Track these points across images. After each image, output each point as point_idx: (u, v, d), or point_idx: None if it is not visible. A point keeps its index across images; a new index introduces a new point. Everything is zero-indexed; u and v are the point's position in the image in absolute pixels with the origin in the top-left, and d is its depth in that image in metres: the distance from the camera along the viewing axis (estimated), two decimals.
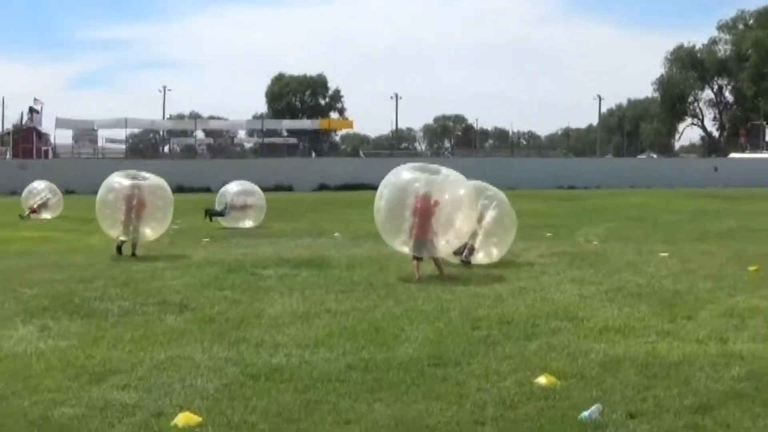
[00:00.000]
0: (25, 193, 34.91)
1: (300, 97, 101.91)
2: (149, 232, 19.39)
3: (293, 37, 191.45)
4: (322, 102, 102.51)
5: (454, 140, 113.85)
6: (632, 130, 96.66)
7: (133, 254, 18.67)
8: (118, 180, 19.46)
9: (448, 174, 15.57)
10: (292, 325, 10.79)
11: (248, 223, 28.16)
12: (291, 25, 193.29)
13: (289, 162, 68.05)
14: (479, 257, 16.64)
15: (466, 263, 16.40)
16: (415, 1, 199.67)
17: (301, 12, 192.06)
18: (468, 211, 15.21)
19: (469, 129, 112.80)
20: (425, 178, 15.16)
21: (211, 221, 27.86)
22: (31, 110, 74.14)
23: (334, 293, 13.26)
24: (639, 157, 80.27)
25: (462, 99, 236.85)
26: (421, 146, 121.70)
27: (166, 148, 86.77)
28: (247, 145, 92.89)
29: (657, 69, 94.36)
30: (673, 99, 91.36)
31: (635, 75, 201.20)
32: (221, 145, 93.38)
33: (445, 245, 15.12)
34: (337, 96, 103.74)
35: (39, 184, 34.99)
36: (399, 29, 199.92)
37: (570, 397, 7.23)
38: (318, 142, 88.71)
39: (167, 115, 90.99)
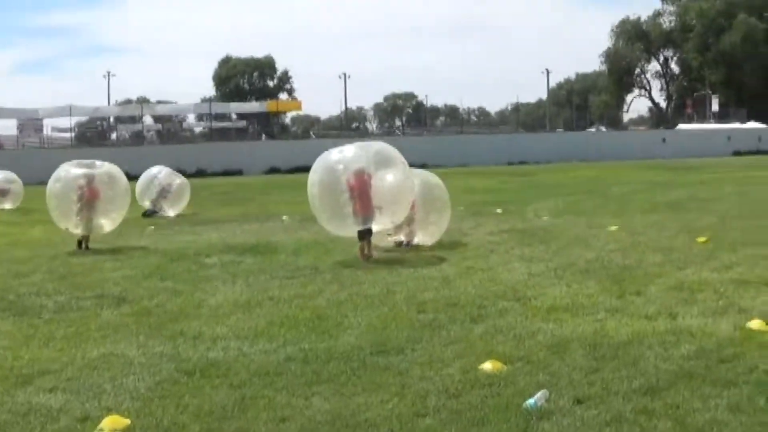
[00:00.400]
0: None
1: (248, 80, 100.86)
2: (104, 223, 18.39)
3: (239, 19, 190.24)
4: (271, 84, 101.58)
5: (405, 119, 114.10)
6: (581, 104, 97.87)
7: (86, 247, 17.83)
8: (69, 169, 18.31)
9: (380, 149, 15.46)
10: (232, 315, 10.41)
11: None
12: (237, 7, 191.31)
13: (238, 146, 67.17)
14: (419, 238, 16.24)
15: (405, 245, 16.02)
16: None
17: None
18: (406, 183, 15.00)
19: (419, 107, 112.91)
20: (353, 155, 14.87)
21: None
22: None
23: (278, 279, 12.91)
24: (588, 130, 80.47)
25: (412, 78, 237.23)
26: (372, 125, 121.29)
27: (114, 136, 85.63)
28: (197, 130, 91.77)
29: (604, 42, 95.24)
30: (621, 71, 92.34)
31: (582, 48, 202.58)
32: (170, 130, 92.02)
33: (390, 221, 15.06)
34: (285, 77, 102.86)
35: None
36: (346, 9, 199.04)
37: (515, 383, 6.93)
38: (268, 125, 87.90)
39: (113, 102, 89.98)
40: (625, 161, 47.18)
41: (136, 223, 24.15)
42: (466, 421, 6.10)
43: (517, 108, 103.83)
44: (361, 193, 14.40)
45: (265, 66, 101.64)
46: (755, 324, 8.51)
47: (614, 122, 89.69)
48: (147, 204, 27.28)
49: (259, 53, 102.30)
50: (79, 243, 17.95)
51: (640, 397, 6.43)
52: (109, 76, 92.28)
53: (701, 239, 15.08)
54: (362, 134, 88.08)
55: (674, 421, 5.90)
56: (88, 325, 10.23)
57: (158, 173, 28.27)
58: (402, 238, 15.98)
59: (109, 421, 6.54)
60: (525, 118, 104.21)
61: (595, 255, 13.83)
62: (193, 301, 11.50)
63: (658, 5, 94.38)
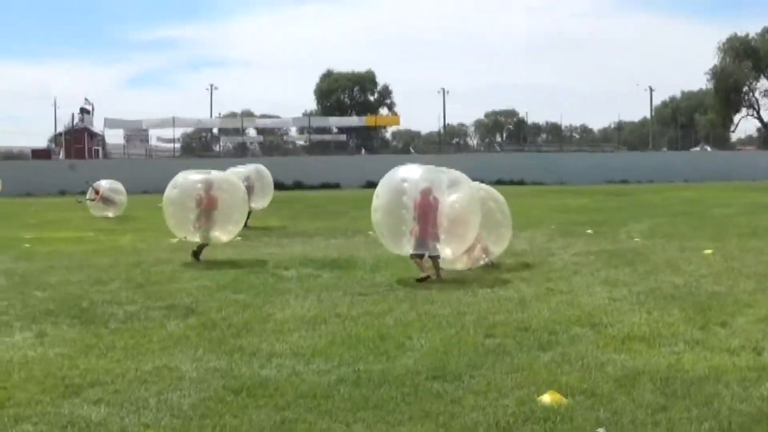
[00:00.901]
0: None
1: (349, 94, 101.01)
2: (220, 234, 17.69)
3: (341, 34, 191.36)
4: (371, 98, 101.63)
5: (506, 135, 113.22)
6: (687, 123, 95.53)
7: (197, 259, 17.05)
8: (187, 176, 17.51)
9: (451, 175, 14.51)
10: (296, 331, 10.07)
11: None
12: (339, 22, 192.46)
13: (337, 159, 67.36)
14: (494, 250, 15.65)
15: (491, 265, 15.38)
16: None
17: (348, 9, 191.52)
18: (473, 217, 14.23)
19: (520, 123, 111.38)
20: (422, 173, 14.28)
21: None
22: (82, 111, 74.50)
23: (351, 296, 12.53)
24: (693, 150, 78.39)
25: (513, 94, 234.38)
26: (473, 141, 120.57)
27: (218, 147, 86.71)
28: (298, 143, 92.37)
29: (710, 59, 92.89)
30: (728, 90, 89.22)
31: (688, 66, 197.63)
32: (272, 142, 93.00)
33: (449, 253, 14.28)
34: (386, 92, 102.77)
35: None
36: (447, 25, 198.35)
37: (573, 418, 6.40)
38: (368, 139, 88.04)
39: (216, 114, 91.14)
40: (729, 182, 45.45)
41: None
42: None
43: (620, 126, 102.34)
44: (423, 213, 13.87)
45: (366, 80, 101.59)
46: None
47: (721, 142, 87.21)
48: None
49: (360, 68, 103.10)
50: (196, 254, 17.27)
51: None
52: (211, 89, 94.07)
53: None
54: (460, 150, 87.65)
55: None
56: (151, 337, 10.05)
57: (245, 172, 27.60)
58: (482, 262, 15.38)
59: None
60: (629, 137, 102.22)
61: (683, 280, 13.07)
62: (260, 315, 11.22)
63: (766, 22, 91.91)
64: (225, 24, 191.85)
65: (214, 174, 17.46)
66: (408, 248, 14.05)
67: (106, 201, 33.36)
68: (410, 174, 14.33)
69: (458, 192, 14.13)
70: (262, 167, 28.91)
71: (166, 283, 14.33)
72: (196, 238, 16.94)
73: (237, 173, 27.51)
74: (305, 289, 13.35)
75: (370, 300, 12.15)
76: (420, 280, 13.65)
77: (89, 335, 10.28)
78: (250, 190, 25.81)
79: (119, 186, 34.62)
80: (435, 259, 14.09)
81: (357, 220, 28.85)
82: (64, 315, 11.53)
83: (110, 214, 32.74)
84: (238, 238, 22.15)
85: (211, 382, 7.91)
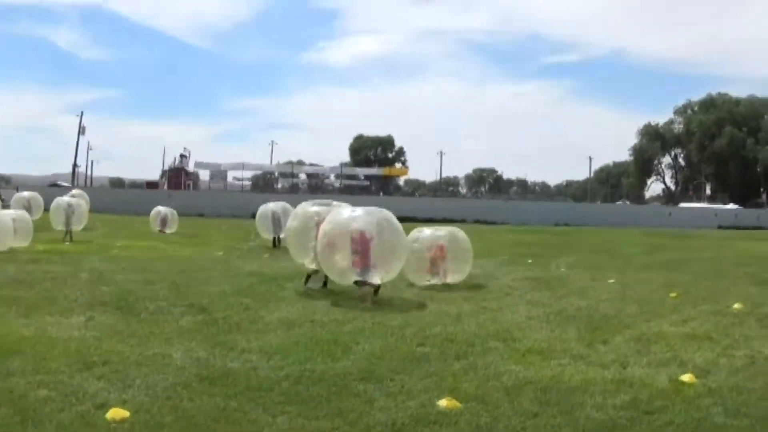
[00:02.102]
0: (153, 214, 33.37)
1: (374, 152, 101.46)
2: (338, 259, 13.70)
3: (370, 108, 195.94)
4: (390, 155, 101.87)
5: (488, 186, 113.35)
6: (615, 183, 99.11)
7: (324, 285, 13.62)
8: (307, 208, 14.41)
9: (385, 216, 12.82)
10: (273, 332, 9.26)
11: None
12: (369, 99, 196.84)
13: (361, 199, 66.37)
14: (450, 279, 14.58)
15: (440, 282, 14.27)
16: (462, 84, 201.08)
17: (376, 90, 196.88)
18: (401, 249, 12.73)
19: (498, 178, 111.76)
20: (362, 216, 12.47)
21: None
22: (181, 156, 74.99)
23: (330, 305, 11.62)
24: (617, 203, 78.93)
25: (495, 156, 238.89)
26: (463, 190, 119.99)
27: (278, 185, 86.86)
28: (335, 185, 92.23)
29: (632, 139, 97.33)
30: (643, 162, 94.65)
31: (619, 142, 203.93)
32: (317, 184, 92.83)
33: (383, 276, 12.33)
34: (401, 151, 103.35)
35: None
36: (449, 103, 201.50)
37: (458, 422, 5.56)
38: (386, 185, 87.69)
39: (275, 162, 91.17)
40: (640, 228, 44.27)
41: (258, 251, 23.50)
42: None
43: (569, 183, 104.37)
44: (362, 249, 12.17)
45: (386, 142, 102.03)
46: (686, 377, 6.96)
47: (638, 198, 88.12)
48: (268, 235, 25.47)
49: (382, 133, 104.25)
50: (308, 278, 13.93)
51: None
52: (272, 143, 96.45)
53: (673, 294, 13.17)
54: (451, 195, 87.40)
55: None
56: (164, 328, 9.34)
57: (275, 207, 25.98)
58: (437, 281, 14.45)
59: (113, 412, 5.66)
60: (575, 191, 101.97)
61: (586, 303, 12.10)
62: (254, 316, 10.41)
63: (671, 115, 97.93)
64: (287, 98, 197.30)
65: (333, 205, 14.33)
66: (353, 277, 12.22)
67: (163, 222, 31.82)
68: (355, 214, 12.73)
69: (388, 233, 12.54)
70: (286, 204, 26.27)
71: (197, 286, 13.57)
72: (313, 265, 13.57)
73: (267, 208, 26.22)
74: (300, 296, 12.57)
75: (342, 310, 11.26)
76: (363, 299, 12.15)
77: (121, 323, 9.64)
78: (277, 221, 24.81)
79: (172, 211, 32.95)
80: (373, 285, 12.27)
81: None
82: (113, 306, 10.90)
83: (168, 231, 31.28)
84: (266, 255, 21.48)
85: (190, 369, 7.17)
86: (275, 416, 5.69)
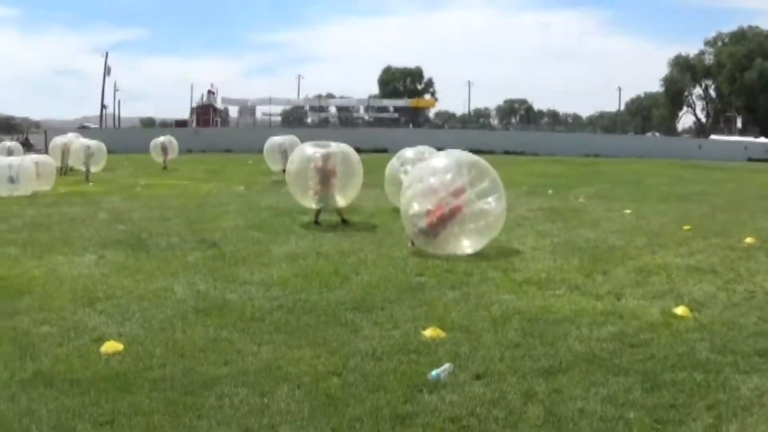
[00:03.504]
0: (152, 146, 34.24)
1: (402, 84, 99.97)
2: (339, 199, 13.96)
3: (399, 38, 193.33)
4: (419, 87, 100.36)
5: (518, 118, 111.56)
6: (647, 115, 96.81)
7: (343, 221, 13.67)
8: (310, 149, 14.13)
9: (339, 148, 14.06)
10: (278, 264, 9.35)
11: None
12: (397, 29, 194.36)
13: (388, 131, 66.02)
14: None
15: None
16: (490, 13, 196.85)
17: (404, 20, 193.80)
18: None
19: (529, 109, 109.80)
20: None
21: None
22: (209, 92, 74.53)
23: (339, 237, 11.70)
24: (646, 135, 77.29)
25: (526, 87, 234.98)
26: (494, 121, 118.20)
27: (308, 120, 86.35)
28: (365, 118, 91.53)
29: (663, 70, 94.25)
30: (674, 93, 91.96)
31: (651, 73, 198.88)
32: (346, 117, 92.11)
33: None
34: (430, 83, 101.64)
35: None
36: (479, 33, 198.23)
37: (437, 352, 5.60)
38: (415, 117, 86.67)
39: (303, 96, 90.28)
40: (669, 160, 43.35)
41: (279, 185, 23.50)
42: (363, 385, 4.89)
43: (602, 115, 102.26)
44: (323, 177, 13.33)
45: (415, 74, 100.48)
46: (680, 310, 6.87)
47: (669, 131, 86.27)
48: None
49: (411, 64, 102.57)
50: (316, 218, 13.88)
51: (535, 377, 5.03)
52: (299, 77, 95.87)
53: (687, 227, 12.95)
54: (481, 127, 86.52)
55: (545, 407, 4.51)
56: (171, 263, 9.46)
57: (283, 141, 26.89)
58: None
59: (108, 345, 5.82)
60: (606, 123, 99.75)
61: (595, 235, 11.99)
62: (262, 250, 10.49)
63: (701, 47, 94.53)
64: (313, 31, 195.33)
65: (332, 147, 14.23)
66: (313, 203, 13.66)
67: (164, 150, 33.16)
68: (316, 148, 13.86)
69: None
70: (294, 137, 27.07)
71: (212, 221, 13.69)
72: (314, 205, 13.82)
73: (274, 141, 27.35)
74: (310, 230, 12.62)
75: (351, 241, 11.34)
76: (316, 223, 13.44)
77: (131, 259, 9.78)
78: (284, 153, 24.86)
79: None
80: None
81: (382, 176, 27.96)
82: (125, 243, 11.04)
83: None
84: (284, 189, 21.41)
85: (188, 302, 7.31)
86: (261, 345, 5.81)
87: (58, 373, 5.13)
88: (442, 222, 10.11)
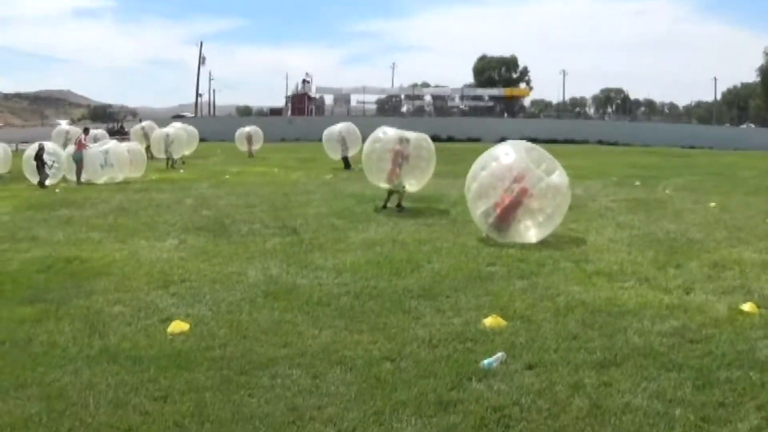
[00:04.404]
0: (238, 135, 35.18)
1: (498, 72, 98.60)
2: (413, 183, 14.13)
3: (494, 28, 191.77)
4: (514, 76, 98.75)
5: (615, 107, 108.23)
6: (744, 105, 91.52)
7: (399, 206, 13.84)
8: (386, 131, 14.33)
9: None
10: (354, 251, 9.50)
11: None
12: (493, 18, 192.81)
13: (482, 120, 65.46)
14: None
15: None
16: (586, 2, 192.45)
17: (501, 9, 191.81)
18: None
19: (625, 99, 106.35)
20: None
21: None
22: (304, 81, 75.78)
23: (418, 225, 11.75)
24: (741, 126, 73.21)
25: (622, 76, 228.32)
26: (590, 110, 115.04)
27: (404, 109, 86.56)
28: (460, 107, 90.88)
29: (759, 59, 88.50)
30: None
31: (745, 62, 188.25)
32: (442, 106, 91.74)
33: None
34: (525, 71, 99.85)
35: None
36: (574, 23, 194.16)
37: (494, 340, 5.59)
38: (511, 106, 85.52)
39: (398, 85, 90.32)
40: (764, 152, 40.91)
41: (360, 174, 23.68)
42: (414, 371, 4.94)
43: (699, 104, 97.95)
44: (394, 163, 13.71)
45: (511, 63, 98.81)
46: (747, 306, 6.58)
47: (766, 122, 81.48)
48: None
49: (506, 53, 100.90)
50: (385, 203, 14.04)
51: (587, 370, 4.94)
52: (393, 66, 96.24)
53: None
54: (576, 117, 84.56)
55: (591, 399, 4.44)
56: (250, 249, 9.74)
57: (341, 129, 26.91)
58: None
59: (174, 325, 6.10)
60: (703, 113, 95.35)
61: (676, 227, 11.57)
62: (341, 237, 10.67)
63: None
64: (408, 20, 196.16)
65: (407, 133, 14.33)
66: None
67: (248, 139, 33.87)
68: (386, 135, 14.14)
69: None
70: (352, 125, 27.49)
71: (295, 208, 13.98)
72: (388, 185, 14.03)
73: (334, 129, 27.31)
74: (389, 218, 12.71)
75: (430, 230, 11.36)
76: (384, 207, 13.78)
77: (211, 244, 10.12)
78: (344, 141, 26.10)
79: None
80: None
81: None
82: (207, 229, 11.42)
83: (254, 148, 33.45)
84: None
85: (259, 286, 7.54)
86: (322, 329, 5.94)
87: (122, 350, 5.42)
88: (512, 210, 10.04)
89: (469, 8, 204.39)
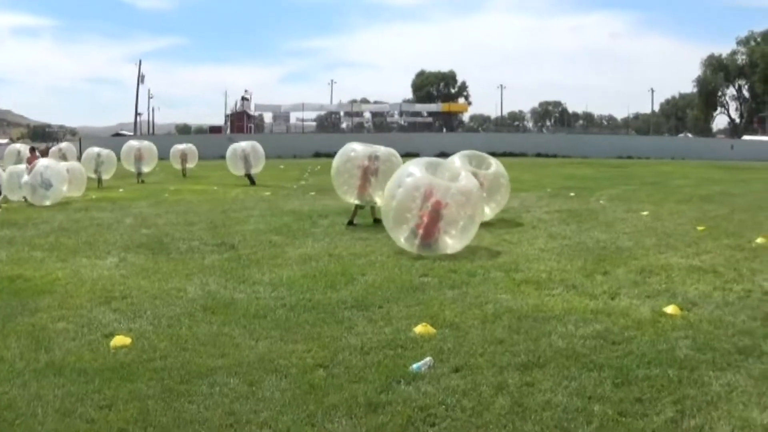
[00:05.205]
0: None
1: (436, 87, 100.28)
2: (379, 198, 13.61)
3: (431, 44, 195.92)
4: (453, 91, 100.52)
5: (553, 120, 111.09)
6: (682, 116, 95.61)
7: (375, 220, 13.88)
8: (355, 149, 14.45)
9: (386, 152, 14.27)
10: (290, 266, 9.69)
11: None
12: (430, 35, 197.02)
13: (420, 136, 66.44)
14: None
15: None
16: (524, 16, 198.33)
17: (437, 25, 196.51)
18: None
19: (564, 112, 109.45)
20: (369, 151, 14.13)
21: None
22: (243, 99, 75.80)
23: (354, 240, 11.97)
24: (679, 136, 76.31)
25: (560, 89, 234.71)
26: (529, 124, 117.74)
27: (343, 125, 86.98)
28: (400, 122, 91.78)
29: (696, 70, 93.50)
30: (708, 94, 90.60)
31: (682, 74, 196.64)
32: (381, 122, 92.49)
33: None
34: (463, 86, 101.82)
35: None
36: (510, 37, 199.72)
37: (422, 347, 5.87)
38: (449, 121, 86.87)
39: (337, 101, 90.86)
40: (703, 161, 42.84)
41: (308, 189, 23.99)
42: (346, 376, 5.20)
43: (636, 116, 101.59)
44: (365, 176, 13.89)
45: (449, 78, 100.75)
46: (670, 309, 7.00)
47: (704, 131, 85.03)
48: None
49: (444, 68, 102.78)
50: (351, 221, 14.23)
51: (511, 371, 5.26)
52: (332, 83, 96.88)
53: (701, 227, 13.02)
54: (514, 130, 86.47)
55: (514, 398, 4.76)
56: (189, 265, 9.86)
57: (244, 147, 28.29)
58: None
59: (117, 340, 6.22)
60: (641, 124, 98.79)
61: (607, 236, 12.12)
62: (278, 252, 10.83)
63: (734, 46, 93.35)
64: (347, 37, 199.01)
65: (377, 148, 14.51)
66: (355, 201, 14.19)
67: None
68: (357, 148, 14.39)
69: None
70: (256, 143, 29.19)
71: (234, 226, 14.09)
72: (356, 201, 14.20)
73: (238, 146, 28.59)
74: (327, 233, 12.92)
75: (365, 243, 11.59)
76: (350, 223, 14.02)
77: (150, 262, 10.19)
78: (246, 158, 27.64)
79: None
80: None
81: None
82: (147, 247, 11.46)
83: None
84: (312, 193, 21.95)
85: (198, 301, 7.68)
86: (258, 340, 6.16)
87: (67, 363, 5.57)
88: (434, 224, 10.45)
89: (407, 24, 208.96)
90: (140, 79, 74.32)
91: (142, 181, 28.46)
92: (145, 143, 32.29)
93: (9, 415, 4.58)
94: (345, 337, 6.22)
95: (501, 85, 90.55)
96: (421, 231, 10.45)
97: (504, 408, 4.61)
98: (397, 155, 14.68)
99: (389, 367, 5.38)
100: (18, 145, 38.46)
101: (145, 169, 30.08)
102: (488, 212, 13.55)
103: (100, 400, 4.79)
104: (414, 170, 10.95)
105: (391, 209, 10.82)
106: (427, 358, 5.45)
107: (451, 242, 10.57)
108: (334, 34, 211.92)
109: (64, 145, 35.32)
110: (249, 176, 27.16)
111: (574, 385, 4.99)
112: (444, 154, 16.03)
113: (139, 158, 30.03)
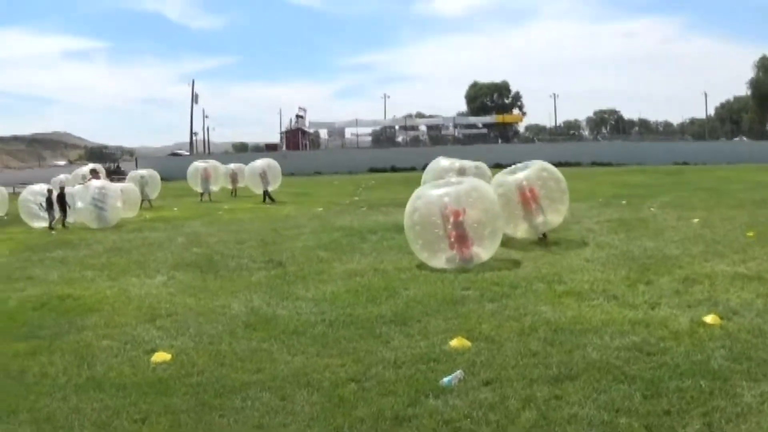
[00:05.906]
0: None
1: (490, 98, 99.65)
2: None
3: (485, 55, 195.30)
4: (506, 101, 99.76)
5: (609, 128, 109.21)
6: (737, 119, 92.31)
7: (543, 235, 12.81)
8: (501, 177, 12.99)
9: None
10: (335, 281, 9.81)
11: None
12: (483, 46, 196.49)
13: (478, 148, 66.21)
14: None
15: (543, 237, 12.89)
16: (574, 24, 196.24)
17: (490, 37, 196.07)
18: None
19: (619, 119, 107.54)
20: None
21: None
22: (297, 117, 76.49)
23: (401, 255, 11.93)
24: (734, 140, 73.77)
25: (613, 96, 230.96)
26: (584, 133, 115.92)
27: (400, 139, 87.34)
28: (455, 135, 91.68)
29: (749, 72, 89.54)
30: (762, 96, 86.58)
31: (735, 77, 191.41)
32: (437, 136, 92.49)
33: None
34: (517, 96, 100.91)
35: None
36: (563, 46, 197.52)
37: (456, 360, 5.89)
38: (505, 132, 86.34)
39: (391, 115, 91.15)
40: (757, 165, 41.28)
41: (359, 204, 24.20)
42: (377, 390, 5.26)
43: (693, 121, 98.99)
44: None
45: (502, 88, 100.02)
46: (709, 318, 6.87)
47: (760, 134, 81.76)
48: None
49: (497, 79, 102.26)
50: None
51: (541, 385, 5.23)
52: (385, 97, 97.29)
53: (750, 233, 12.68)
54: (570, 139, 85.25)
55: (540, 411, 4.73)
56: (236, 282, 10.07)
57: (262, 165, 29.13)
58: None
59: (157, 356, 6.44)
60: (697, 129, 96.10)
61: (654, 245, 11.90)
62: (325, 268, 10.97)
63: None
64: (399, 51, 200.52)
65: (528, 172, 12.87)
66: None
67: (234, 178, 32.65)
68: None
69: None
70: (273, 161, 29.97)
71: (284, 243, 14.26)
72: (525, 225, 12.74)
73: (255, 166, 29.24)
74: (375, 249, 12.99)
75: (411, 258, 11.52)
76: None
77: (198, 280, 10.44)
78: (264, 176, 28.36)
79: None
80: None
81: None
82: (196, 265, 11.74)
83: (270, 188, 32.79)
84: (363, 209, 22.11)
85: (240, 317, 7.86)
86: (295, 355, 6.27)
87: (108, 378, 5.80)
88: (464, 238, 10.60)
89: (458, 36, 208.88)
90: (194, 98, 75.81)
91: (210, 200, 29.14)
92: (211, 162, 32.95)
93: (47, 427, 4.81)
94: (380, 351, 6.27)
95: (554, 94, 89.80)
96: (456, 252, 10.58)
97: (529, 421, 4.59)
98: (551, 167, 13.30)
99: (420, 381, 5.41)
100: (85, 168, 39.66)
101: (214, 188, 30.73)
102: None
103: (135, 414, 4.97)
104: (422, 195, 11.33)
105: (418, 240, 10.97)
106: (458, 371, 5.46)
107: (484, 251, 10.73)
108: (386, 49, 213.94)
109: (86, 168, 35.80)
110: (267, 193, 27.66)
111: (603, 397, 4.93)
112: (500, 166, 15.80)
113: (206, 178, 30.68)
